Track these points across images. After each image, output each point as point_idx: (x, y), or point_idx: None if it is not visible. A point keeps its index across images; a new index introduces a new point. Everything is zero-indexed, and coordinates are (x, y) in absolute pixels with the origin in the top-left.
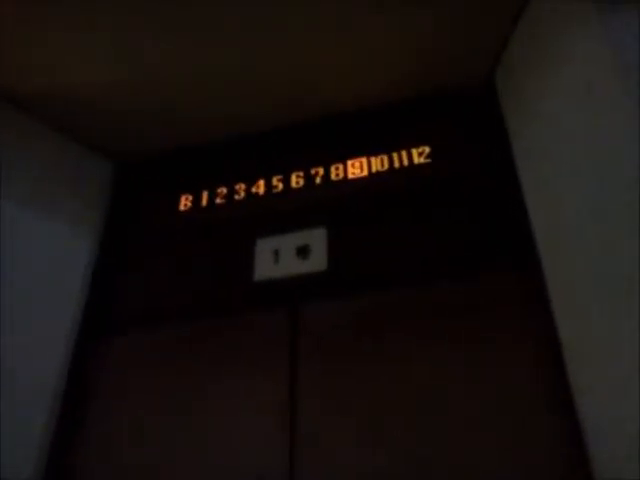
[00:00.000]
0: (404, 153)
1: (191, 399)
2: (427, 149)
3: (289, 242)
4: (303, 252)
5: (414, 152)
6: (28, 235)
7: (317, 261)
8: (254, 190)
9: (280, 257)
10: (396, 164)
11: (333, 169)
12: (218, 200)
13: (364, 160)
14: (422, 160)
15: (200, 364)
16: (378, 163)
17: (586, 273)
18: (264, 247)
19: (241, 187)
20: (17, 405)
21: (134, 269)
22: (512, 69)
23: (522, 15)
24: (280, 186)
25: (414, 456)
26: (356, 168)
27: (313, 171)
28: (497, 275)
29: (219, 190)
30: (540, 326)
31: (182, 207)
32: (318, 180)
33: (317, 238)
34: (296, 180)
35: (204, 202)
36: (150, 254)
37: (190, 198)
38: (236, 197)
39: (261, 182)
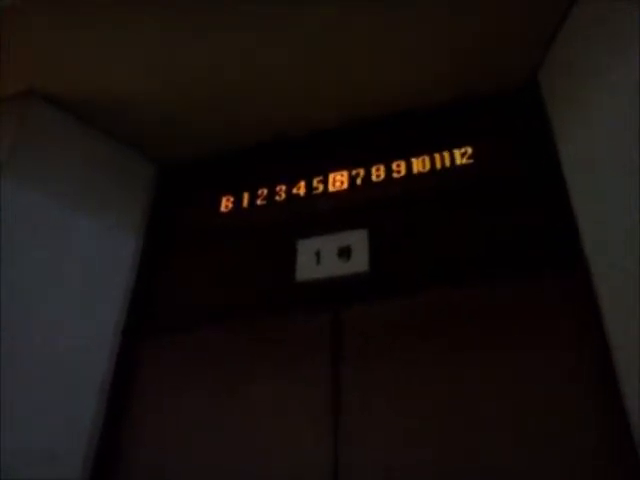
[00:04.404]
0: (446, 154)
1: (233, 400)
2: (469, 150)
3: (331, 243)
4: (345, 253)
5: (456, 153)
6: (77, 234)
7: (359, 262)
8: (295, 191)
9: (322, 258)
10: (438, 165)
11: (374, 170)
12: (259, 201)
13: (405, 161)
14: (464, 161)
15: (242, 365)
16: (420, 164)
17: (636, 275)
18: (305, 248)
19: (282, 188)
20: (65, 399)
21: (177, 269)
22: (557, 69)
23: (569, 14)
24: (321, 187)
25: (460, 461)
26: (398, 169)
27: (354, 172)
28: (544, 277)
29: (260, 191)
30: (589, 329)
31: (223, 208)
32: (359, 181)
33: (359, 239)
34: (337, 181)
35: (245, 203)
36: (192, 255)
37: (231, 199)
38: (277, 198)
39: (302, 183)
